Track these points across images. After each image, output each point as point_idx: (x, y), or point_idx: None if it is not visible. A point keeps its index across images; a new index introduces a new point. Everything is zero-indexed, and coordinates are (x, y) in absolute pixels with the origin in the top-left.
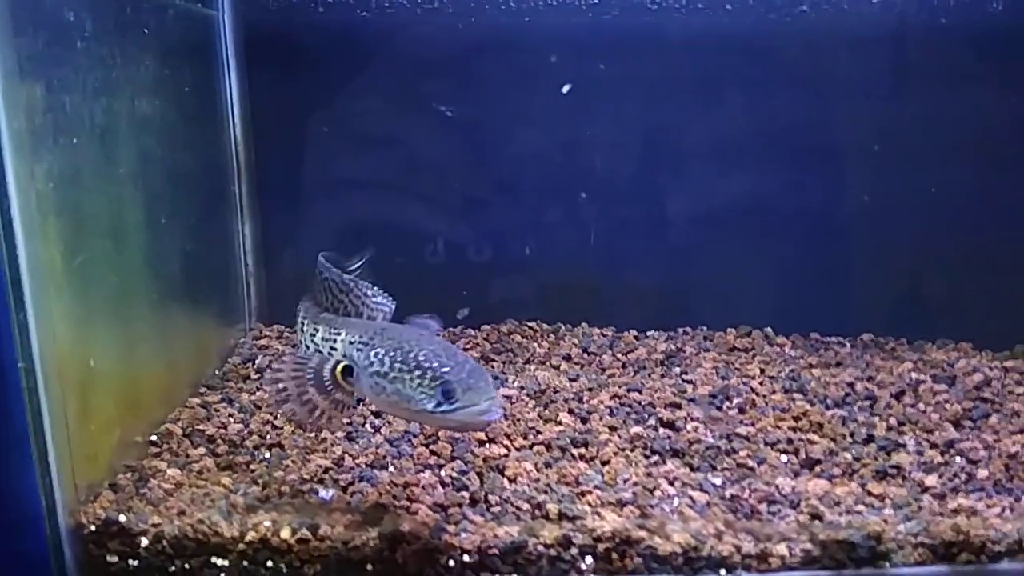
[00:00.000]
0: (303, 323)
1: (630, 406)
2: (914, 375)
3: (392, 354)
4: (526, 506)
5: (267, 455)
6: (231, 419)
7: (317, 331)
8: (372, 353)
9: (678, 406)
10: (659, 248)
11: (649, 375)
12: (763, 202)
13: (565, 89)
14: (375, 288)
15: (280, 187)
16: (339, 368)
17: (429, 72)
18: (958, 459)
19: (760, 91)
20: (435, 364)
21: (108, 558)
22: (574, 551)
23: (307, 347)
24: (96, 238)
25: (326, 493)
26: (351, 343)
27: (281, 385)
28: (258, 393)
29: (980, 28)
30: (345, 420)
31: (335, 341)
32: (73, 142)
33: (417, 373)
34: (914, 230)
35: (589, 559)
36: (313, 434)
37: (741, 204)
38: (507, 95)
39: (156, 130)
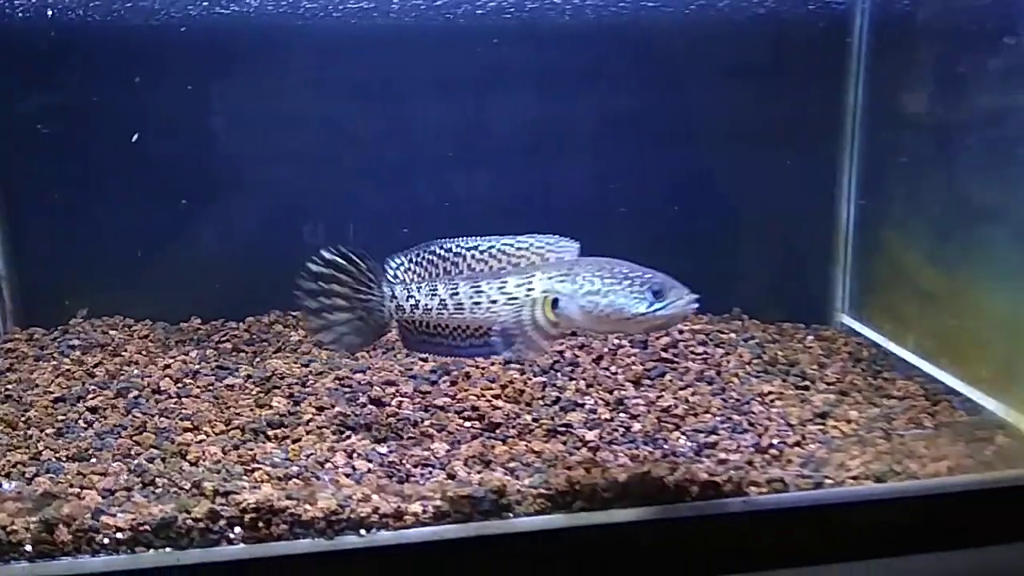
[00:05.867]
0: (464, 290)
1: (349, 387)
2: (617, 340)
3: (599, 273)
4: (187, 485)
5: None
6: None
7: (505, 283)
8: (579, 279)
9: (394, 383)
10: (428, 235)
11: (395, 355)
12: (532, 189)
13: (135, 138)
14: (551, 236)
15: (31, 192)
16: (548, 301)
17: (170, 72)
18: (622, 415)
19: (489, 87)
20: (638, 273)
21: None
22: (222, 523)
23: (472, 305)
24: None
25: (8, 485)
26: (551, 278)
27: (515, 344)
28: None
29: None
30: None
31: (531, 283)
32: None
33: (627, 283)
34: (649, 209)
35: (237, 529)
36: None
37: (514, 191)
38: (250, 92)
39: None
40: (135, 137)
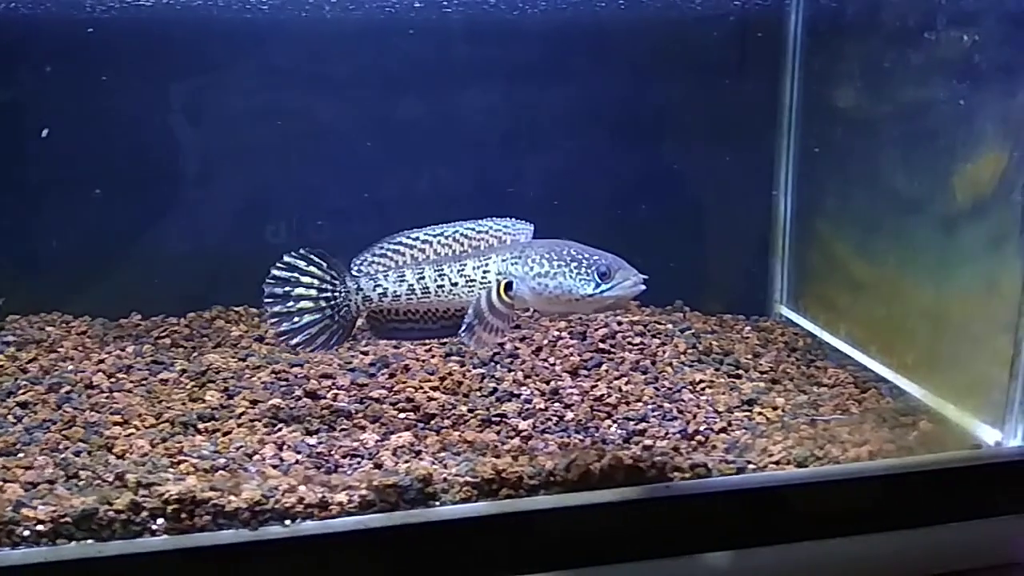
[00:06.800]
0: (430, 274)
1: (286, 380)
2: (557, 332)
3: (547, 256)
4: (110, 477)
5: None
6: None
7: (464, 266)
8: (529, 260)
9: (331, 376)
10: (358, 232)
11: (336, 349)
12: (472, 184)
13: (44, 133)
14: (507, 219)
15: None
16: (502, 284)
17: (105, 65)
18: (556, 405)
19: (432, 84)
20: (586, 255)
21: None
22: (145, 514)
23: (436, 289)
24: None
25: None
26: (504, 260)
27: (475, 331)
28: None
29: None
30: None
31: (487, 265)
32: None
33: (574, 265)
34: (591, 203)
35: (160, 520)
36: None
37: (455, 185)
38: (193, 86)
39: None
40: (44, 132)
